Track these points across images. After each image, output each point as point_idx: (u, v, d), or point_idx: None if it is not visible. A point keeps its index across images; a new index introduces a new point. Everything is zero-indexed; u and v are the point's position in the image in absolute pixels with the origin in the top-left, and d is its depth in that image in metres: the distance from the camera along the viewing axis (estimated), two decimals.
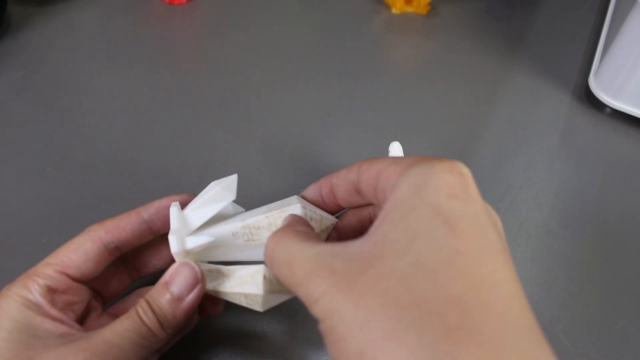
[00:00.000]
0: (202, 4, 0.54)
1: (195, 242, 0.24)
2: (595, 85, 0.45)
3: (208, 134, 0.42)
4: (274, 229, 0.24)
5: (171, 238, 0.24)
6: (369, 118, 0.44)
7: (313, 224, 0.24)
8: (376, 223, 0.18)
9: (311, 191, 0.26)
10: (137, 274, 0.28)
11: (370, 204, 0.24)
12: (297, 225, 0.22)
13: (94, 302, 0.26)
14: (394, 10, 0.55)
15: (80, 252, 0.24)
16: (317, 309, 0.17)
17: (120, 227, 0.25)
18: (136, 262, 0.28)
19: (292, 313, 0.32)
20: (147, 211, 0.26)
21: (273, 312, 0.32)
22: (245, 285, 0.24)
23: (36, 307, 0.22)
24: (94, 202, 0.37)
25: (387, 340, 0.15)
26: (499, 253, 0.17)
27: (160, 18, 0.52)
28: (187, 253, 0.24)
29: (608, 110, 0.45)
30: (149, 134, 0.41)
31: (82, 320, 0.25)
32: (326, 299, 0.17)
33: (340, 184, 0.23)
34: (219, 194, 0.25)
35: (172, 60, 0.48)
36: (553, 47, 0.52)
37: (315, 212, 0.25)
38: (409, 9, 0.55)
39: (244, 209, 0.28)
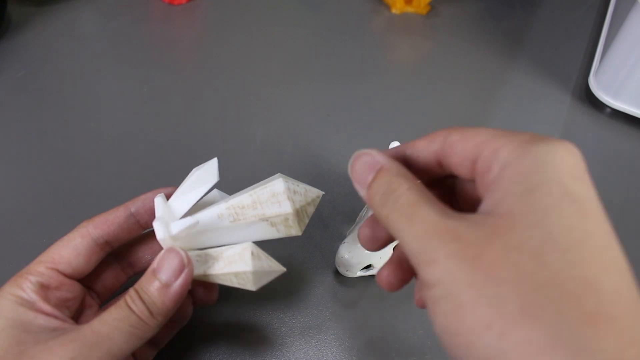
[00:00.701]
0: (202, 4, 0.54)
1: (179, 225, 0.24)
2: (595, 85, 0.45)
3: (208, 133, 0.42)
4: (259, 206, 0.24)
5: (156, 225, 0.24)
6: (369, 118, 0.44)
7: (297, 197, 0.24)
8: (495, 197, 0.18)
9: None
10: (131, 271, 0.28)
11: (448, 176, 0.23)
12: (414, 179, 0.20)
13: (90, 300, 0.26)
14: (394, 11, 0.55)
15: (70, 247, 0.24)
16: (432, 271, 0.16)
17: (108, 221, 0.25)
18: (130, 258, 0.28)
19: (288, 304, 0.32)
20: (134, 204, 0.26)
21: (269, 303, 0.32)
22: (234, 265, 0.24)
23: (29, 304, 0.23)
24: (93, 201, 0.37)
25: (522, 317, 0.14)
26: (615, 236, 0.17)
27: (160, 18, 0.52)
28: (174, 239, 0.24)
29: (608, 110, 0.45)
30: (148, 134, 0.41)
31: (78, 317, 0.25)
32: (447, 264, 0.16)
33: (418, 156, 0.22)
34: (200, 178, 0.25)
35: (172, 60, 0.48)
36: (553, 47, 0.52)
37: (298, 185, 0.25)
38: (409, 9, 0.55)
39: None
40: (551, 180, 0.17)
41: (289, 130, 0.42)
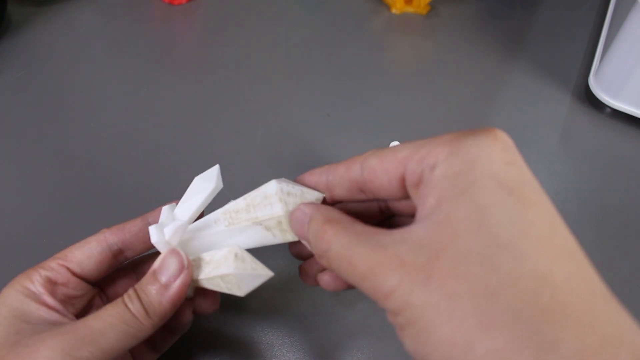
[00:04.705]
0: (202, 4, 0.54)
1: (170, 228, 0.24)
2: (595, 85, 0.45)
3: (208, 133, 0.42)
4: (252, 209, 0.23)
5: (150, 228, 0.24)
6: (369, 118, 0.44)
7: (291, 199, 0.23)
8: (430, 205, 0.17)
9: (306, 180, 0.25)
10: None
11: (373, 200, 0.23)
12: (338, 215, 0.20)
13: (99, 301, 0.27)
14: (394, 10, 0.55)
15: (84, 249, 0.25)
16: (391, 303, 0.16)
17: (124, 230, 0.26)
18: (147, 270, 0.28)
19: (288, 306, 0.32)
20: (152, 216, 0.26)
21: (270, 305, 0.32)
22: (220, 268, 0.23)
23: (34, 296, 0.23)
24: (94, 202, 0.37)
25: (482, 328, 0.15)
26: (561, 219, 0.17)
27: (160, 18, 0.52)
28: (169, 244, 0.24)
29: (608, 110, 0.45)
30: (149, 134, 0.41)
31: (83, 316, 0.25)
32: (401, 292, 0.16)
33: (339, 183, 0.22)
34: (197, 184, 0.25)
35: (172, 60, 0.48)
36: (553, 47, 0.52)
37: (294, 187, 0.24)
38: (409, 9, 0.55)
39: None
40: (484, 174, 0.16)
41: (289, 130, 0.42)
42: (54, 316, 0.23)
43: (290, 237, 0.23)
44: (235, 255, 0.23)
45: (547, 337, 0.14)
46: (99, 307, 0.26)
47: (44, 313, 0.23)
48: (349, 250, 0.18)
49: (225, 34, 0.51)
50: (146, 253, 0.27)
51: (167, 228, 0.24)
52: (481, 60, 0.50)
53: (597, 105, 0.45)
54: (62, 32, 0.50)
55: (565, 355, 0.14)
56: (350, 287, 0.24)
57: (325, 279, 0.24)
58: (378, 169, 0.20)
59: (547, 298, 0.15)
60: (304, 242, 0.22)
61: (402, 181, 0.19)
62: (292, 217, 0.22)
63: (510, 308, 0.15)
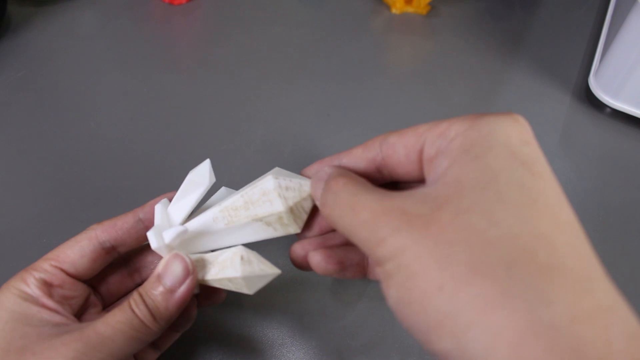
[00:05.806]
0: (202, 4, 0.54)
1: (170, 234, 0.23)
2: (595, 85, 0.45)
3: (208, 133, 0.42)
4: (251, 206, 0.23)
5: (149, 234, 0.23)
6: (369, 118, 0.44)
7: (290, 193, 0.23)
8: (442, 169, 0.18)
9: (314, 171, 0.24)
10: (139, 278, 0.28)
11: (388, 182, 0.23)
12: (355, 176, 0.21)
13: (94, 299, 0.26)
14: (394, 10, 0.55)
15: (76, 248, 0.25)
16: (383, 249, 0.16)
17: (116, 226, 0.25)
18: (138, 264, 0.28)
19: (288, 305, 0.32)
20: (143, 211, 0.26)
21: (270, 304, 0.32)
22: (226, 270, 0.23)
23: (32, 299, 0.23)
24: (93, 202, 0.37)
25: (473, 274, 0.14)
26: (567, 199, 0.17)
27: (160, 18, 0.52)
28: (170, 247, 0.24)
29: (608, 110, 0.45)
30: (149, 134, 0.41)
31: (81, 315, 0.25)
32: (396, 237, 0.16)
33: (354, 164, 0.22)
34: (192, 181, 0.25)
35: (172, 60, 0.48)
36: (553, 47, 0.52)
37: (291, 180, 0.24)
38: (409, 9, 0.55)
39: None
40: (499, 144, 0.17)
41: (289, 130, 0.42)
42: (56, 317, 0.23)
43: (292, 230, 0.23)
44: (242, 258, 0.23)
45: (541, 293, 0.14)
46: (95, 305, 0.26)
47: (46, 315, 0.23)
48: (354, 196, 0.18)
49: (225, 34, 0.51)
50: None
51: (166, 233, 0.24)
52: (481, 60, 0.50)
53: (597, 105, 0.45)
54: (62, 32, 0.50)
55: (558, 313, 0.14)
56: (339, 271, 0.23)
57: (316, 258, 0.23)
58: (397, 144, 0.20)
59: (544, 257, 0.15)
60: (318, 203, 0.22)
61: (420, 155, 0.20)
62: (314, 178, 0.22)
63: (505, 260, 0.15)
